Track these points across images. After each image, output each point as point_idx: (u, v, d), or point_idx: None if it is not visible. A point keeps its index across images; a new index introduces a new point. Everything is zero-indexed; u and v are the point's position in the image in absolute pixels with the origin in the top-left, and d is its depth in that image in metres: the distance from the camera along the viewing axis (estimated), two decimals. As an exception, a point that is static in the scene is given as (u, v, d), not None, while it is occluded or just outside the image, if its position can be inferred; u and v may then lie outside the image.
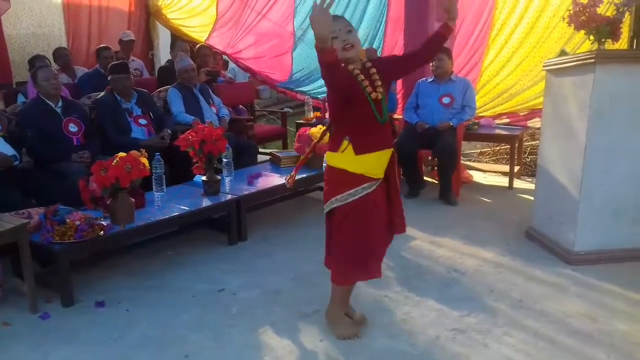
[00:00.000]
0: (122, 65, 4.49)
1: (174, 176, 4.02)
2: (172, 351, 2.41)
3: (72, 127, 3.98)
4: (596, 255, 3.20)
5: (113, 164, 2.97)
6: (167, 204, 3.46)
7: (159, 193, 3.58)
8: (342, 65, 2.21)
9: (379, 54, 5.71)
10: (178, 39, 6.82)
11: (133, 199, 3.14)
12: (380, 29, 6.09)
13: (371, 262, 2.41)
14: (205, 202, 3.56)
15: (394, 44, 5.94)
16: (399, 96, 5.56)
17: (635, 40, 4.05)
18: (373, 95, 2.20)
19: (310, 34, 6.47)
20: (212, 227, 3.80)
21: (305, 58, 6.60)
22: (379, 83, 2.23)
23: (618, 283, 2.96)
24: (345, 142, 2.25)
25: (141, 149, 3.18)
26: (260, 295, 2.94)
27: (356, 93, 2.19)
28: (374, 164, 2.27)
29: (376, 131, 2.26)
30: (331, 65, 2.05)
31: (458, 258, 3.39)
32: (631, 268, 3.14)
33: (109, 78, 4.40)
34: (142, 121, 4.40)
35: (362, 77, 2.21)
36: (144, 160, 3.10)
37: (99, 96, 4.42)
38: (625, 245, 3.23)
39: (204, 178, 3.65)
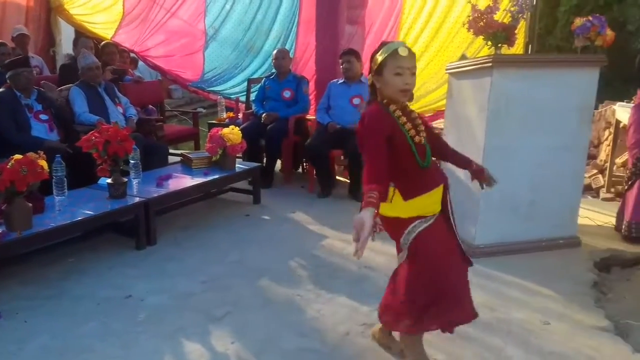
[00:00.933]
0: (23, 59, 4.25)
1: (76, 179, 3.83)
2: (75, 362, 2.30)
3: (-38, 126, 3.69)
4: (494, 248, 3.40)
5: (8, 166, 2.80)
6: (69, 209, 3.30)
7: (59, 197, 3.40)
8: (384, 105, 2.02)
9: (291, 54, 5.74)
10: (81, 36, 6.51)
11: (30, 204, 2.96)
12: (293, 29, 6.13)
13: (457, 297, 2.11)
14: (111, 206, 3.42)
15: (306, 46, 5.99)
16: (311, 97, 5.62)
17: (529, 46, 4.34)
18: (417, 139, 2.00)
19: (222, 33, 6.42)
20: (118, 232, 3.66)
21: (217, 57, 6.52)
22: (422, 128, 2.05)
23: (513, 273, 3.16)
24: (392, 190, 2.03)
25: (39, 151, 3.01)
26: (170, 300, 2.87)
27: (398, 137, 1.97)
28: (426, 204, 2.06)
29: (421, 174, 2.05)
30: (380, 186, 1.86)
31: (368, 254, 3.47)
32: (526, 259, 3.35)
33: (7, 75, 4.14)
34: (43, 116, 4.19)
35: (404, 119, 2.00)
36: (43, 163, 2.95)
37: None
38: (521, 238, 3.45)
39: (109, 180, 3.51)
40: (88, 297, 2.89)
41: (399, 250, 2.13)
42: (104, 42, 6.16)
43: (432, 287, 2.04)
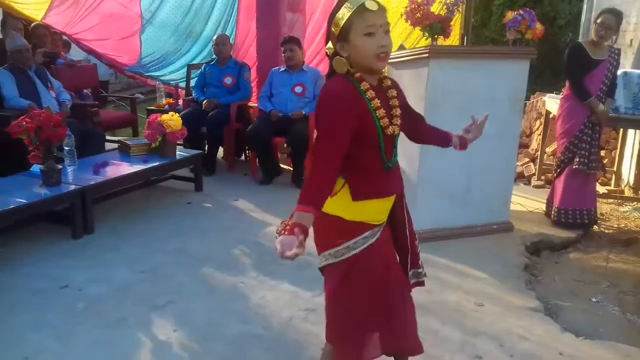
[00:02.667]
0: None
1: (6, 166, 3.66)
2: (9, 353, 2.22)
3: None
4: (431, 233, 3.51)
5: None
6: (-1, 197, 3.16)
7: (-12, 185, 3.25)
8: (345, 70, 1.58)
9: (231, 41, 5.67)
10: (9, 17, 6.17)
11: (-44, 192, 2.82)
12: (233, 15, 6.06)
13: (400, 326, 1.77)
14: (45, 194, 3.30)
15: (247, 32, 5.95)
16: (253, 84, 5.58)
17: (465, 38, 4.48)
18: (389, 130, 1.60)
19: (160, 17, 6.25)
20: (53, 221, 3.53)
21: (155, 42, 6.36)
22: (398, 113, 1.63)
23: (449, 258, 3.28)
24: (341, 182, 1.63)
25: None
26: (109, 290, 2.81)
27: (365, 125, 1.57)
28: (375, 210, 1.69)
29: (382, 175, 1.66)
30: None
31: (311, 242, 3.47)
32: (461, 244, 3.49)
33: None
34: None
35: (377, 102, 1.57)
36: (-31, 149, 2.80)
37: None
38: (457, 223, 3.59)
39: (42, 167, 3.37)
40: (21, 287, 2.79)
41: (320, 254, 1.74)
42: (34, 24, 5.85)
43: (370, 313, 1.71)
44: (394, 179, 1.73)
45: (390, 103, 1.63)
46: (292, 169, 4.91)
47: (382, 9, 1.54)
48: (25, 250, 3.24)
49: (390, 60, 3.64)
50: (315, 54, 5.73)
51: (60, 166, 3.47)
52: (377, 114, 1.57)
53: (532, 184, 5.10)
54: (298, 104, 4.81)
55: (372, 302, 1.70)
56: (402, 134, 1.75)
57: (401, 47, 3.86)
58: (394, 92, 1.65)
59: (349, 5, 1.53)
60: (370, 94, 1.57)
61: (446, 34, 3.52)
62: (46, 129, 3.21)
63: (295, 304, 2.70)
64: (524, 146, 5.72)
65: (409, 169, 3.53)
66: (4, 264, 3.06)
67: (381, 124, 1.58)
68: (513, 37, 3.61)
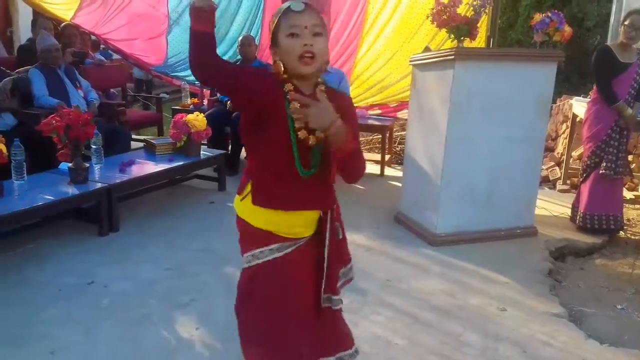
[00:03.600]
0: None
1: (36, 163, 3.75)
2: (35, 348, 2.26)
3: None
4: (455, 236, 3.49)
5: (-36, 150, 2.72)
6: (28, 194, 3.23)
7: (18, 182, 3.33)
8: (274, 74, 1.51)
9: (257, 42, 5.70)
10: (40, 16, 6.30)
11: (-12, 189, 2.89)
12: (259, 16, 6.09)
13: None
14: (72, 191, 3.36)
15: (272, 33, 5.96)
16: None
17: (491, 40, 4.44)
18: (302, 134, 1.45)
19: (186, 17, 6.30)
20: (80, 218, 3.60)
21: (181, 42, 6.42)
22: None
23: (473, 262, 3.25)
24: (250, 184, 1.58)
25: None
26: (134, 286, 2.85)
27: (275, 124, 1.48)
28: (285, 222, 1.57)
29: (296, 184, 1.52)
30: (200, 38, 1.41)
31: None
32: (483, 248, 3.46)
33: None
34: None
35: (296, 105, 1.42)
36: (1, 146, 2.88)
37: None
38: (480, 227, 3.56)
39: (70, 165, 3.44)
40: (49, 283, 2.85)
41: None
42: (64, 24, 5.98)
43: (260, 335, 1.63)
44: (314, 193, 1.57)
45: None
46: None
47: (310, 10, 1.46)
48: (53, 247, 3.31)
49: (414, 62, 3.68)
50: (340, 55, 5.73)
51: (87, 164, 3.54)
52: (292, 116, 1.43)
53: (557, 188, 5.02)
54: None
55: (270, 321, 1.60)
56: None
57: (427, 49, 3.84)
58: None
59: (280, 8, 1.50)
60: (292, 94, 1.46)
61: (472, 36, 3.50)
62: (75, 127, 3.28)
63: (317, 304, 2.70)
64: (549, 150, 5.64)
65: (432, 172, 3.52)
66: (32, 259, 3.13)
67: (296, 126, 1.45)
68: (540, 40, 3.57)
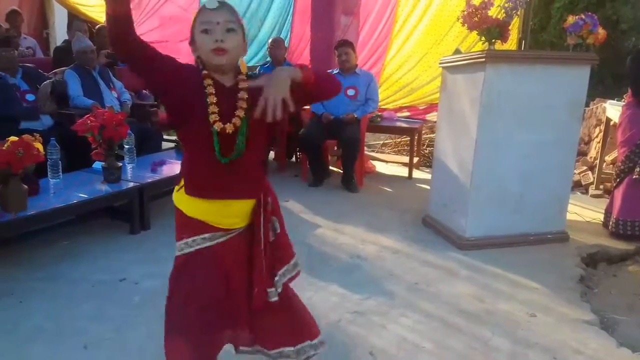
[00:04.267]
0: (4, 39, 4.26)
1: (71, 162, 3.85)
2: (69, 342, 2.32)
3: (-44, 108, 3.69)
4: (484, 240, 3.46)
5: (4, 148, 2.80)
6: (64, 192, 3.31)
7: (54, 180, 3.42)
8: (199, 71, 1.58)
9: (286, 44, 5.75)
10: (75, 18, 6.47)
11: (26, 186, 2.97)
12: (288, 19, 6.14)
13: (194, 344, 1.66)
14: (106, 190, 3.44)
15: (302, 35, 6.01)
16: (306, 87, 5.63)
17: (523, 42, 4.39)
18: (217, 126, 1.50)
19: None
20: (112, 216, 3.67)
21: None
22: (241, 114, 1.52)
23: (502, 266, 3.22)
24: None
25: (34, 134, 3.01)
26: (164, 284, 2.85)
27: (196, 116, 1.53)
28: (215, 211, 1.62)
29: (219, 173, 1.57)
30: (120, 20, 1.41)
31: (360, 244, 3.53)
32: (513, 252, 3.42)
33: None
34: (30, 97, 4.21)
35: (214, 98, 1.51)
36: (38, 145, 2.95)
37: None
38: (509, 231, 3.51)
39: (103, 165, 3.52)
40: (83, 279, 2.92)
41: None
42: (98, 26, 6.12)
43: (177, 320, 1.69)
44: (240, 183, 1.61)
45: (237, 102, 1.54)
46: (342, 171, 4.93)
47: (223, 8, 1.53)
48: (87, 244, 3.39)
49: (444, 64, 3.66)
50: (369, 57, 5.74)
51: (120, 164, 3.61)
52: (210, 109, 1.50)
53: (590, 193, 4.94)
54: (350, 107, 4.83)
55: (193, 308, 1.63)
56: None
57: (457, 51, 3.82)
58: (244, 94, 1.54)
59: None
60: (210, 89, 1.53)
61: (504, 38, 3.46)
62: (109, 127, 3.35)
63: (343, 306, 2.71)
64: (582, 154, 5.55)
65: (462, 175, 3.49)
66: (67, 256, 3.21)
67: (211, 119, 1.50)
68: (574, 42, 3.52)
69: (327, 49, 5.29)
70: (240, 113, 1.53)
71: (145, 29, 6.66)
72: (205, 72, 1.56)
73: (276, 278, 1.72)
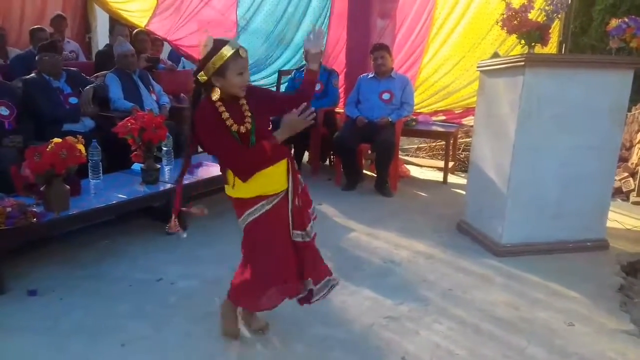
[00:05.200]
0: (49, 44, 4.38)
1: (111, 163, 3.94)
2: (108, 340, 2.39)
3: (3, 110, 3.84)
4: (521, 247, 3.40)
5: (48, 149, 2.89)
6: (104, 192, 3.41)
7: (95, 180, 3.52)
8: (206, 101, 2.11)
9: (322, 48, 5.77)
10: (117, 23, 6.62)
11: (68, 186, 3.06)
12: (324, 23, 6.15)
13: (273, 286, 2.26)
14: (144, 191, 3.52)
15: (338, 39, 6.02)
16: (341, 90, 5.65)
17: (563, 45, 4.31)
18: (242, 129, 2.09)
19: (254, 24, 6.47)
20: (150, 217, 3.75)
21: (248, 48, 6.52)
22: (248, 114, 2.13)
23: (539, 274, 3.16)
24: (231, 175, 2.19)
25: (77, 136, 3.11)
26: (199, 285, 2.95)
27: (223, 130, 2.09)
28: (267, 182, 2.19)
29: (253, 153, 2.14)
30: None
31: (393, 249, 3.52)
32: (551, 260, 3.35)
33: (36, 58, 4.29)
34: (73, 100, 4.33)
35: (227, 115, 2.08)
36: (81, 147, 3.04)
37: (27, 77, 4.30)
38: (547, 238, 3.45)
39: (142, 166, 3.60)
40: (121, 278, 2.99)
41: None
42: (135, 30, 6.24)
43: (261, 267, 2.25)
44: (265, 156, 2.15)
45: (242, 109, 2.14)
46: (375, 175, 4.92)
47: (245, 55, 2.09)
48: (126, 243, 3.47)
49: (482, 68, 3.62)
50: (405, 60, 5.71)
51: (158, 165, 3.69)
52: (228, 122, 2.07)
53: (631, 200, 4.80)
54: (385, 111, 4.81)
55: (269, 253, 2.23)
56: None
57: (495, 55, 3.77)
58: (244, 101, 2.15)
59: (226, 49, 2.03)
60: (222, 108, 2.08)
61: (544, 42, 3.40)
62: (148, 130, 3.43)
63: (377, 311, 2.71)
64: (623, 160, 5.39)
65: (499, 180, 3.44)
66: (107, 255, 3.30)
67: (233, 129, 2.08)
68: (616, 46, 3.43)
69: (363, 53, 5.29)
70: (248, 114, 2.14)
71: (184, 32, 6.76)
72: (218, 102, 2.09)
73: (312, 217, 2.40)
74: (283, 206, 2.25)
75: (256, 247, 2.27)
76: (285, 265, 2.26)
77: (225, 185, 2.26)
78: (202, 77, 2.07)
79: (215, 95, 2.09)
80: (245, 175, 2.14)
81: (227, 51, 2.02)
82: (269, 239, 2.24)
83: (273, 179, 2.21)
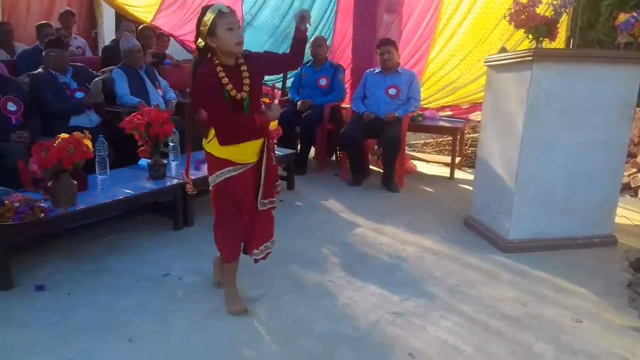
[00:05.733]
0: (56, 40, 4.39)
1: (118, 159, 3.95)
2: (115, 334, 2.39)
3: (11, 106, 3.84)
4: (528, 243, 3.39)
5: (55, 144, 2.89)
6: (111, 187, 3.41)
7: (102, 176, 3.53)
8: (203, 45, 2.28)
9: (328, 43, 5.75)
10: (123, 19, 6.63)
11: (75, 182, 3.07)
12: (331, 17, 6.14)
13: (232, 241, 2.56)
14: (151, 186, 3.52)
15: (344, 33, 6.00)
16: (347, 85, 5.63)
17: (571, 40, 4.27)
18: (238, 96, 2.28)
19: (259, 19, 6.46)
20: (157, 212, 3.75)
21: (254, 44, 6.56)
22: (247, 82, 2.31)
23: (547, 270, 3.14)
24: (212, 132, 2.37)
25: (85, 131, 3.11)
26: (206, 280, 2.95)
27: (217, 93, 2.26)
28: (239, 153, 2.39)
29: (241, 124, 2.35)
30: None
31: (400, 245, 3.51)
32: (559, 256, 3.34)
33: (43, 53, 4.30)
34: (79, 94, 4.34)
35: (227, 80, 2.26)
36: (88, 142, 3.04)
37: (34, 72, 4.32)
38: (556, 234, 3.43)
39: (149, 162, 3.60)
40: (128, 273, 3.00)
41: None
42: (141, 26, 6.25)
43: (226, 224, 2.51)
44: (254, 127, 2.35)
45: (242, 74, 2.31)
46: (382, 171, 4.91)
47: (233, 13, 2.25)
48: (133, 238, 3.47)
49: (490, 63, 3.60)
50: (411, 55, 5.69)
51: (165, 161, 3.69)
52: (227, 88, 2.26)
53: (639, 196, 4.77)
54: (391, 106, 4.80)
55: (232, 217, 2.49)
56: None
57: (503, 50, 3.74)
58: (244, 67, 2.32)
59: (210, 11, 2.22)
60: (222, 73, 2.26)
61: (552, 37, 3.37)
62: (155, 125, 3.42)
63: (383, 306, 2.70)
64: (631, 155, 5.36)
65: (506, 176, 3.43)
66: (114, 250, 3.31)
67: (230, 93, 2.27)
68: (625, 41, 3.40)
69: (369, 48, 5.27)
70: (246, 82, 2.31)
71: (190, 28, 6.77)
72: (216, 60, 2.28)
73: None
74: (247, 176, 2.46)
75: (217, 208, 2.52)
76: (236, 227, 2.53)
77: (204, 139, 2.45)
78: (200, 43, 2.28)
79: (216, 59, 2.28)
80: (226, 141, 2.34)
81: (211, 12, 2.22)
82: (227, 204, 2.48)
83: (246, 150, 2.41)
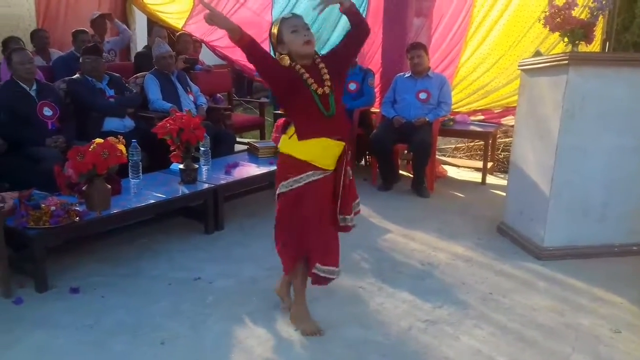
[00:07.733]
0: (93, 47, 4.48)
1: (150, 163, 4.01)
2: (148, 338, 2.41)
3: (47, 111, 3.93)
4: (564, 251, 3.31)
5: (90, 149, 2.95)
6: (144, 192, 3.46)
7: (135, 180, 3.57)
8: (288, 63, 2.25)
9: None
10: (155, 25, 6.73)
11: (109, 186, 3.12)
12: (360, 22, 6.11)
13: (325, 251, 2.38)
14: (182, 191, 3.56)
15: (374, 38, 5.96)
16: (377, 90, 5.60)
17: (607, 44, 4.17)
18: (320, 90, 2.23)
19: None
20: (188, 216, 3.79)
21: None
22: (327, 77, 2.27)
23: (583, 279, 3.07)
24: (292, 128, 2.29)
25: (118, 136, 3.16)
26: (237, 284, 2.96)
27: (299, 88, 2.23)
28: (320, 151, 2.26)
29: (323, 121, 2.26)
30: (251, 46, 2.17)
31: (431, 251, 3.47)
32: (596, 264, 3.25)
33: (79, 60, 4.40)
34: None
35: (307, 75, 2.23)
36: (121, 147, 3.09)
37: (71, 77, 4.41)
38: (592, 242, 3.34)
39: (181, 166, 3.64)
40: (160, 277, 3.03)
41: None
42: (179, 33, 6.35)
43: (298, 236, 2.34)
44: (337, 127, 2.29)
45: (321, 72, 2.27)
46: (412, 175, 4.86)
47: (296, 16, 2.29)
48: (165, 242, 3.51)
49: (525, 67, 3.53)
50: (442, 59, 5.63)
51: (196, 165, 3.72)
52: (308, 82, 2.22)
53: (680, 203, 4.62)
54: (422, 111, 4.76)
55: (304, 227, 2.31)
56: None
57: (537, 53, 3.67)
58: (322, 65, 2.29)
59: (274, 23, 2.31)
60: (301, 70, 2.24)
61: (589, 40, 3.30)
62: (187, 130, 3.46)
63: (414, 314, 2.67)
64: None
65: (541, 181, 3.36)
66: (146, 253, 3.35)
67: (312, 87, 2.22)
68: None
69: (399, 52, 5.23)
70: (326, 77, 2.27)
71: (221, 32, 6.82)
72: (298, 65, 2.25)
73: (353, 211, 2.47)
74: (326, 185, 2.32)
75: (295, 215, 2.32)
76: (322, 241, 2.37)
77: (282, 137, 2.36)
78: (281, 59, 2.27)
79: (286, 62, 2.25)
80: (306, 134, 2.24)
81: (275, 23, 2.30)
82: (309, 211, 2.30)
83: (327, 152, 2.28)
